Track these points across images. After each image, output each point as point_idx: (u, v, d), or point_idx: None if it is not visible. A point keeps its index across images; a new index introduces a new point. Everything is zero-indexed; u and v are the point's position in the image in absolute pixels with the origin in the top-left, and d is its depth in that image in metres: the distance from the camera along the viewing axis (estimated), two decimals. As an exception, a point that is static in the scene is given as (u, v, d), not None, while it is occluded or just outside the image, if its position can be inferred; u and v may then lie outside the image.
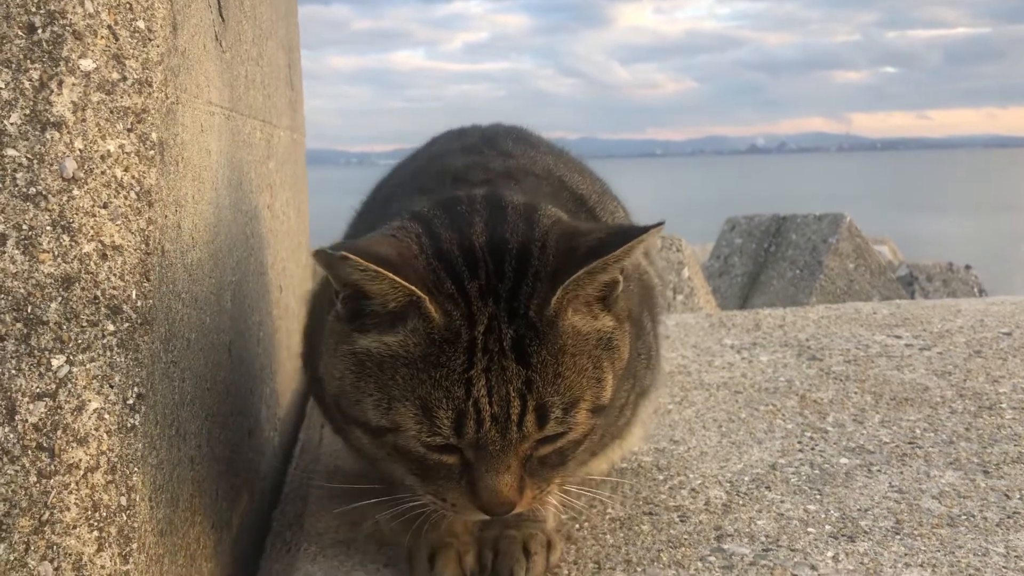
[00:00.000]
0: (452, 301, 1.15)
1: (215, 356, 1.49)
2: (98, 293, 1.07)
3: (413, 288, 1.13)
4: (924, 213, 33.43)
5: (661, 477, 1.83)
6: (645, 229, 1.19)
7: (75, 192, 1.09)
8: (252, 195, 1.95)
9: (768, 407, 2.24)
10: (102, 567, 1.02)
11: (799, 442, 2.00)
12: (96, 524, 1.02)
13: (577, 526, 1.61)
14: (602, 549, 1.53)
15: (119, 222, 1.10)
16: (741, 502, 1.70)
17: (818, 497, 1.71)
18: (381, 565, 1.49)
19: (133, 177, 1.13)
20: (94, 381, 1.05)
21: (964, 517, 1.61)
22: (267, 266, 2.10)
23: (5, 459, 1.00)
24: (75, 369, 1.04)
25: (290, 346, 2.32)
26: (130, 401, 1.07)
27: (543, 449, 1.19)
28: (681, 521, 1.63)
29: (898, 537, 1.54)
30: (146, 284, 1.12)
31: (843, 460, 1.89)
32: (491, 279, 1.17)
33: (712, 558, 1.48)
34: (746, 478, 1.81)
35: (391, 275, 1.12)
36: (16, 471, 1.00)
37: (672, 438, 2.05)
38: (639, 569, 1.46)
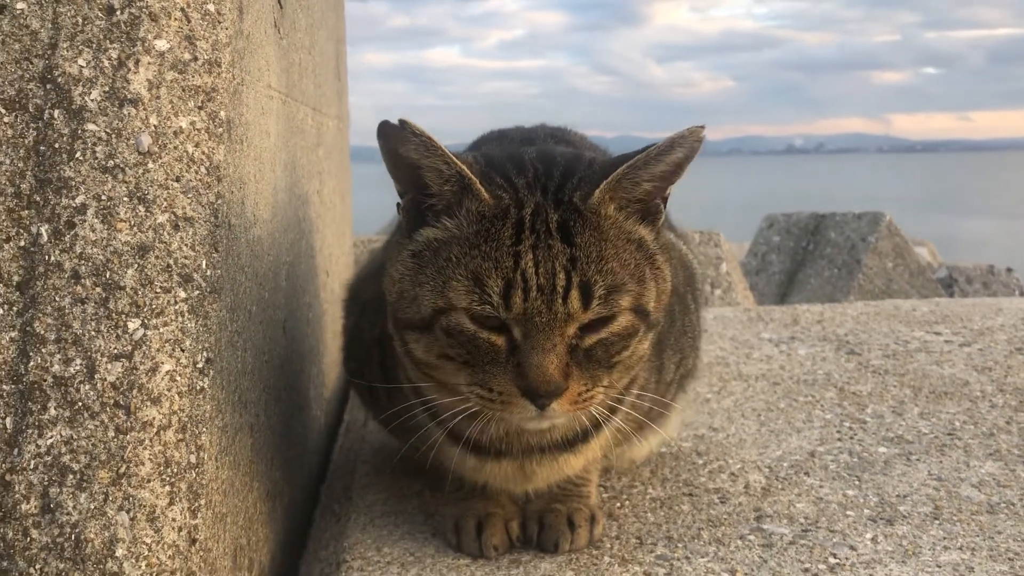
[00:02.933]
0: (501, 188, 1.24)
1: (272, 331, 1.55)
2: (171, 262, 1.13)
3: (462, 167, 1.21)
4: (965, 216, 32.86)
5: (701, 461, 1.86)
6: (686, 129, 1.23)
7: (150, 165, 1.14)
8: (304, 180, 2.00)
9: (807, 398, 2.26)
10: (173, 520, 1.07)
11: (838, 431, 2.01)
12: (168, 479, 1.08)
13: (619, 504, 1.65)
14: (643, 526, 1.56)
15: (191, 195, 1.16)
16: (780, 486, 1.72)
17: (857, 483, 1.73)
18: (429, 534, 1.54)
19: (203, 153, 1.18)
20: (167, 344, 1.10)
21: (1004, 505, 1.62)
22: (316, 250, 2.15)
23: (86, 414, 1.06)
24: (149, 332, 1.10)
25: (335, 330, 2.37)
26: (199, 365, 1.13)
27: (589, 339, 1.21)
28: (721, 502, 1.66)
29: (937, 522, 1.55)
30: (215, 255, 1.17)
31: (882, 449, 1.90)
32: (539, 178, 1.26)
33: (752, 537, 1.51)
34: (785, 464, 1.83)
35: (443, 148, 1.20)
36: (96, 426, 1.06)
37: (711, 425, 2.08)
38: (680, 545, 1.49)
